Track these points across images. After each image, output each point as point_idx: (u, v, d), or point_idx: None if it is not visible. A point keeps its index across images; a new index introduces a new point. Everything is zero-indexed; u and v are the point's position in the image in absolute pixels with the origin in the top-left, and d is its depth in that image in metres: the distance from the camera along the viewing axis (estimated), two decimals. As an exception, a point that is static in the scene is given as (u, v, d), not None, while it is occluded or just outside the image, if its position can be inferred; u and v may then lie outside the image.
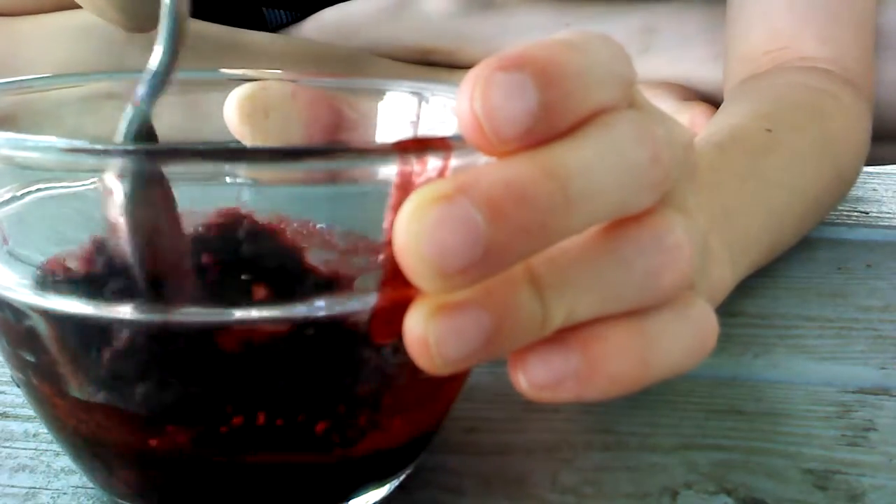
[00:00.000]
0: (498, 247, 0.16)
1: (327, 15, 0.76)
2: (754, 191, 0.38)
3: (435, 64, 0.72)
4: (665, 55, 0.67)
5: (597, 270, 0.18)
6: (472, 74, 0.17)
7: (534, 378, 0.18)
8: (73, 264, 0.21)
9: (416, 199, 0.16)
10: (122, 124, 0.22)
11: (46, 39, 0.64)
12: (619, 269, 0.19)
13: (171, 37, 0.21)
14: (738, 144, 0.40)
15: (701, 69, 0.67)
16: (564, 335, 0.18)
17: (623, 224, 0.19)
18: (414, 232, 0.16)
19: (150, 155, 0.18)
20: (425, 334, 0.17)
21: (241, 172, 0.20)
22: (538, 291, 0.18)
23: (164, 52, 0.22)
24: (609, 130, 0.18)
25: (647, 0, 0.69)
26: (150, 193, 0.19)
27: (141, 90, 0.22)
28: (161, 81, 0.22)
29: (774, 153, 0.41)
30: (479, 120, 0.16)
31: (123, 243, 0.19)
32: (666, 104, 0.63)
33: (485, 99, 0.16)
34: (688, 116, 0.61)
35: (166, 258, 0.20)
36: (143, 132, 0.22)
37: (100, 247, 0.21)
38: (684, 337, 0.20)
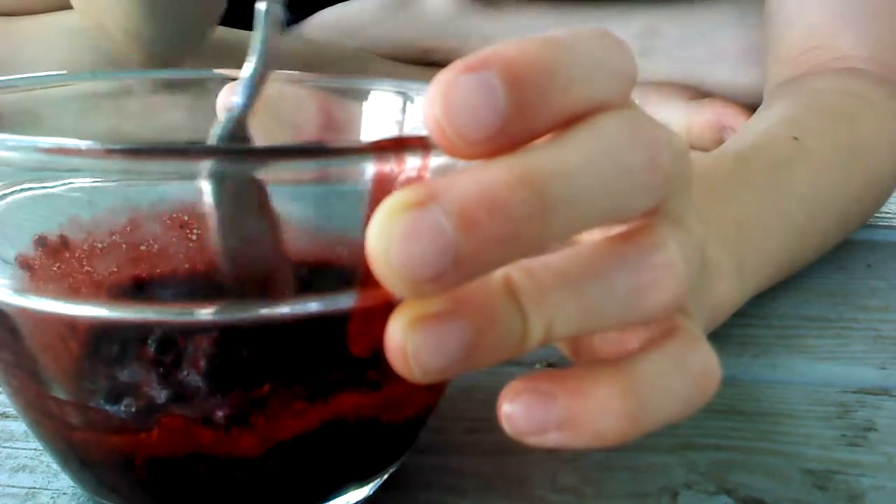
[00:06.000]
0: (469, 256, 0.15)
1: (327, 14, 0.76)
2: (773, 203, 0.37)
3: (435, 63, 0.72)
4: (666, 56, 0.67)
5: (577, 286, 0.18)
6: (436, 77, 0.16)
7: (516, 425, 0.18)
8: (49, 260, 0.21)
9: (387, 206, 0.16)
10: (214, 128, 0.22)
11: (46, 39, 0.64)
12: (600, 285, 0.18)
13: (264, 45, 0.22)
14: (761, 154, 0.39)
15: (701, 70, 0.67)
16: (552, 385, 0.18)
17: (611, 238, 0.18)
18: (383, 239, 0.15)
19: (120, 154, 0.18)
20: (404, 344, 0.16)
21: (216, 171, 0.19)
22: (518, 304, 0.17)
23: (257, 60, 0.22)
24: (599, 131, 0.17)
25: (649, 1, 0.69)
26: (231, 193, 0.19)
27: (236, 98, 0.22)
28: (255, 88, 0.22)
29: (799, 164, 0.40)
30: (440, 124, 0.16)
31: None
32: (677, 104, 0.63)
33: (445, 102, 0.16)
34: (710, 113, 0.61)
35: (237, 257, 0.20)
36: (237, 136, 0.22)
37: (69, 244, 0.21)
38: (680, 390, 0.19)
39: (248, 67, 0.22)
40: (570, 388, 0.18)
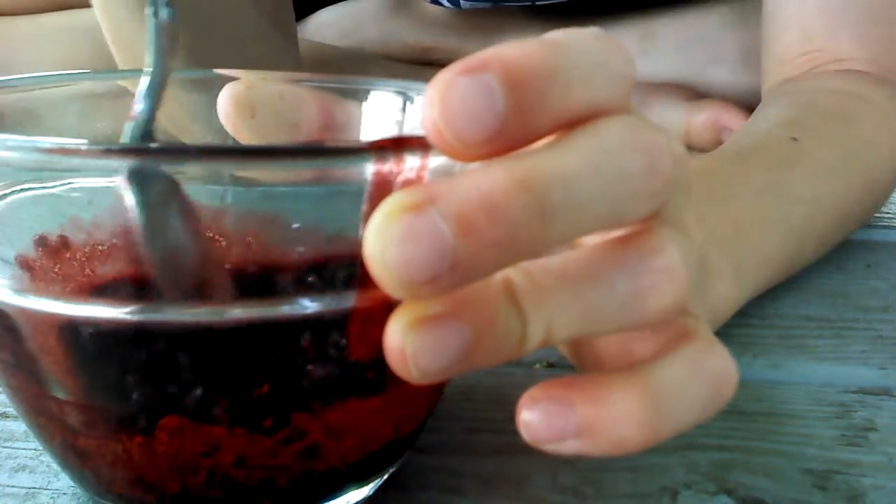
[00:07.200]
0: (467, 259, 0.15)
1: (327, 14, 0.76)
2: (771, 205, 0.37)
3: (435, 63, 0.72)
4: (664, 59, 0.67)
5: (576, 289, 0.18)
6: (435, 79, 0.16)
7: (535, 433, 0.18)
8: (49, 260, 0.21)
9: (385, 208, 0.15)
10: (123, 135, 0.22)
11: (46, 39, 0.64)
12: (600, 289, 0.18)
13: (158, 52, 0.22)
14: (760, 155, 0.39)
15: (699, 73, 0.67)
16: (570, 393, 0.18)
17: (611, 241, 0.18)
18: (381, 241, 0.15)
19: (120, 154, 0.18)
20: (403, 346, 0.16)
21: (213, 172, 0.19)
22: (517, 307, 0.17)
23: (154, 67, 0.22)
24: (599, 136, 0.17)
25: (645, 9, 0.69)
26: (154, 193, 0.19)
27: (136, 105, 0.22)
28: (156, 93, 0.22)
29: (798, 165, 0.39)
30: (438, 125, 0.16)
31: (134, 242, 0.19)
32: (675, 104, 0.63)
33: (443, 104, 0.16)
34: (708, 113, 0.61)
35: (164, 258, 0.20)
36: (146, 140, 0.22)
37: (69, 244, 0.21)
38: (698, 395, 0.19)
39: (147, 75, 0.22)
40: (588, 395, 0.18)
